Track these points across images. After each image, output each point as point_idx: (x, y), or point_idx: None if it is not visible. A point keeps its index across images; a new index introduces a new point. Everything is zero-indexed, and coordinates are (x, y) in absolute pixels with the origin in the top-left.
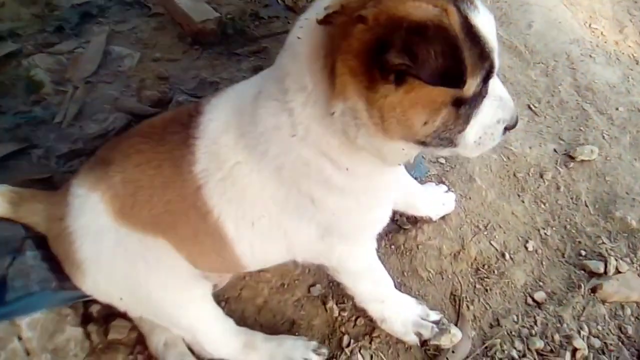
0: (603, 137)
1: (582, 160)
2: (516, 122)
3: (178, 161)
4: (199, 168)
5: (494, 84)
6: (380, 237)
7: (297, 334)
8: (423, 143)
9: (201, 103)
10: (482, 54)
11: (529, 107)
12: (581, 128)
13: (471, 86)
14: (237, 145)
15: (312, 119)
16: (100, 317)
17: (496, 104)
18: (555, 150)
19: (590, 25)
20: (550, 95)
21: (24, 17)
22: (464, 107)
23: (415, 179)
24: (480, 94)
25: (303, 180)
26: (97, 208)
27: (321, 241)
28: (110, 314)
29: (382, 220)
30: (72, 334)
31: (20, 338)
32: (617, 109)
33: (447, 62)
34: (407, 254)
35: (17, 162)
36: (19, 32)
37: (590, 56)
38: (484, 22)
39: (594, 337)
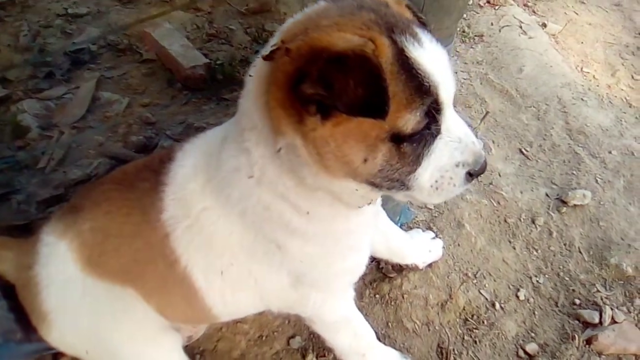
0: (596, 181)
1: (575, 205)
2: (483, 167)
3: (147, 208)
4: (166, 215)
5: (450, 123)
6: (364, 286)
7: None
8: (372, 184)
9: (173, 149)
10: (421, 87)
11: (521, 151)
12: (574, 172)
13: (409, 121)
14: (204, 191)
15: (265, 158)
16: None
17: (453, 145)
18: (547, 195)
19: (582, 69)
20: (542, 139)
21: (17, 63)
22: (408, 145)
23: (401, 225)
24: (430, 132)
25: (266, 225)
26: (64, 257)
27: (294, 290)
28: None
29: (356, 268)
30: None
31: None
32: (610, 152)
33: (366, 92)
34: (392, 303)
35: None
36: (10, 77)
37: (582, 99)
38: (427, 56)
39: None
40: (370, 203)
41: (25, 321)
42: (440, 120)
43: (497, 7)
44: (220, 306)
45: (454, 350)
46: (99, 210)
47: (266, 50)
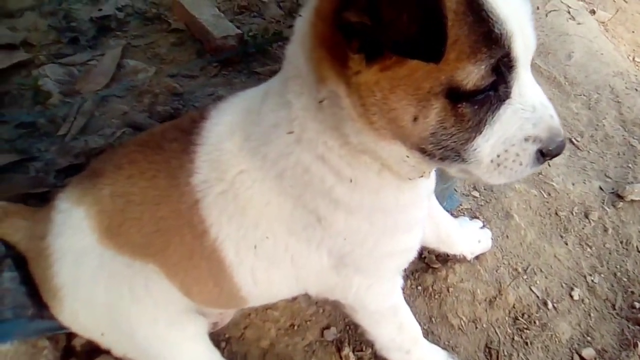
0: None
1: (632, 200)
2: (560, 147)
3: (175, 172)
4: (198, 179)
5: (525, 87)
6: (405, 276)
7: None
8: (423, 150)
9: (208, 108)
10: (491, 35)
11: (571, 141)
12: (629, 165)
13: (470, 75)
14: (241, 151)
15: (307, 111)
16: (84, 352)
17: (525, 114)
18: (601, 188)
19: (633, 58)
20: (593, 129)
21: (41, 27)
22: (468, 106)
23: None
24: (497, 95)
25: (305, 193)
26: (80, 226)
27: (335, 272)
28: (97, 349)
29: (408, 251)
30: None
31: None
32: None
33: (419, 29)
34: (436, 296)
35: (14, 174)
36: (33, 42)
37: (637, 90)
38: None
39: None
40: (422, 176)
41: (38, 296)
42: (512, 82)
43: None
44: (250, 286)
45: (503, 351)
46: (120, 174)
47: None
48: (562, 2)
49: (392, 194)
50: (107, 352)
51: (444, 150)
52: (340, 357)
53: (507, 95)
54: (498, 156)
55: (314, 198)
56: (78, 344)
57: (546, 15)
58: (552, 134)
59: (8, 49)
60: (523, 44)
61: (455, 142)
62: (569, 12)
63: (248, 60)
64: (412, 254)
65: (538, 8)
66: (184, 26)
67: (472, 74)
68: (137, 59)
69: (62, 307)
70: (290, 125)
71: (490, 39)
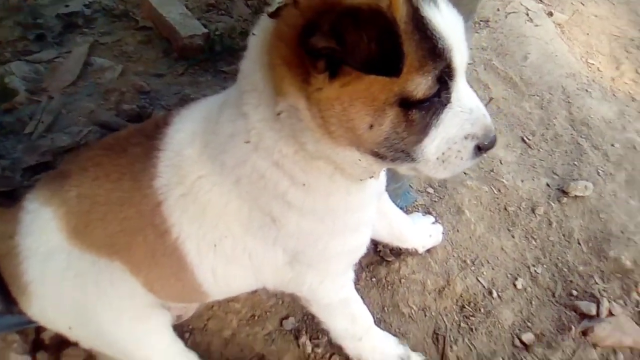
0: (598, 173)
1: (576, 196)
2: (492, 142)
3: (138, 175)
4: (159, 182)
5: (462, 92)
6: (361, 269)
7: None
8: (377, 154)
9: (171, 114)
10: (435, 50)
11: (523, 140)
12: (575, 163)
13: (420, 85)
14: (200, 157)
15: (264, 122)
16: (52, 344)
17: (464, 116)
18: (548, 185)
19: (587, 60)
20: (544, 128)
21: (6, 24)
22: (417, 112)
23: (401, 208)
24: (439, 100)
25: (261, 196)
26: (48, 225)
27: (289, 268)
28: (65, 342)
29: (356, 249)
30: None
31: None
32: (612, 145)
33: (379, 48)
34: (389, 287)
35: None
36: None
37: (587, 91)
38: (442, 18)
39: None
40: (372, 177)
41: (6, 292)
42: (452, 89)
43: None
44: (211, 282)
45: (450, 337)
46: (86, 176)
47: (272, 6)
48: (521, 4)
49: (342, 197)
50: (75, 345)
51: (395, 152)
52: (298, 345)
53: (448, 101)
54: (443, 154)
55: (269, 201)
56: (47, 337)
57: (506, 17)
58: (487, 131)
59: None
60: (460, 56)
61: (405, 144)
62: (527, 14)
63: (215, 59)
64: (362, 251)
65: (498, 10)
66: (151, 24)
67: (421, 85)
68: (104, 57)
69: (30, 302)
70: (247, 135)
71: (434, 53)
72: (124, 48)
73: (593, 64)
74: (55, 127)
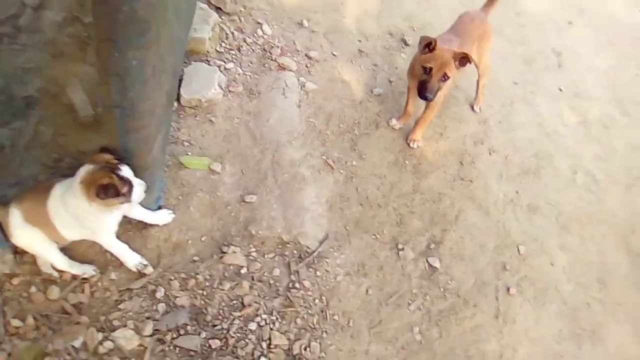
0: (265, 192)
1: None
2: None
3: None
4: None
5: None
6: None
7: None
8: None
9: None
10: (125, 183)
11: (242, 171)
12: (261, 182)
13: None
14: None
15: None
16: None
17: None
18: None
19: (311, 119)
20: (257, 165)
21: None
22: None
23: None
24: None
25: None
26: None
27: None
28: None
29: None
30: None
31: None
32: (284, 175)
33: (113, 192)
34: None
35: None
36: None
37: (292, 142)
38: (126, 174)
39: None
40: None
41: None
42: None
43: (279, 71)
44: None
45: None
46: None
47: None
48: (285, 81)
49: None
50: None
51: None
52: None
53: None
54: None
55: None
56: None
57: (270, 91)
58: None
59: None
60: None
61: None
62: (283, 89)
63: None
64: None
65: (269, 85)
66: None
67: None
68: None
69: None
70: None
71: (126, 184)
72: None
73: (313, 122)
74: None
